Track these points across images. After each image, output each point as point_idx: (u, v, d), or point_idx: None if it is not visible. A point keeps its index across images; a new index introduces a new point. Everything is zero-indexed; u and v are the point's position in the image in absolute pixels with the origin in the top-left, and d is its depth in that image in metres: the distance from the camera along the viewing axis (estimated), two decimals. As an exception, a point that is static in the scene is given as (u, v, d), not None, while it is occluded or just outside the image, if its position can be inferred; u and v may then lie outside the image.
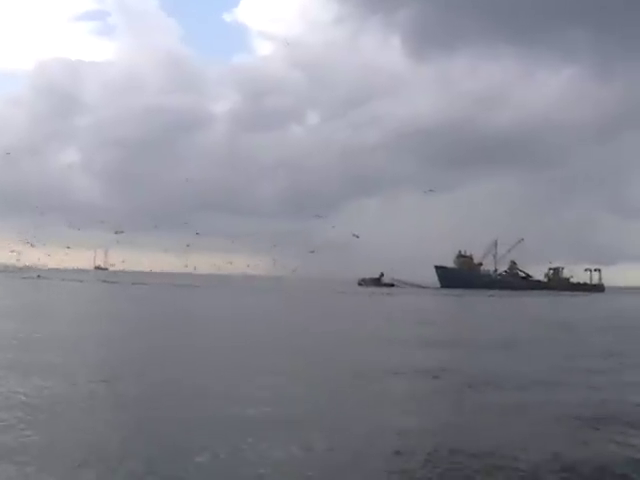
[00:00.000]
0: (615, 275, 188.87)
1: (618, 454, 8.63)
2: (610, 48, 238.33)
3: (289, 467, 7.51)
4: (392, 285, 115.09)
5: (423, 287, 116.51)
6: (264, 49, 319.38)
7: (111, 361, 15.50)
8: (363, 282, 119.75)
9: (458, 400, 12.24)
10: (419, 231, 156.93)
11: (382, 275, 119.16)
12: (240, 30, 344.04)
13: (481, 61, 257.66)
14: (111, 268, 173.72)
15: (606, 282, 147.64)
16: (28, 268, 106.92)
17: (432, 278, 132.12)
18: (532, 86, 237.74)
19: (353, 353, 18.58)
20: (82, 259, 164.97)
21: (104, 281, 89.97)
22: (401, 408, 11.38)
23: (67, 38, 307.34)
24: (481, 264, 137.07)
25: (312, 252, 73.06)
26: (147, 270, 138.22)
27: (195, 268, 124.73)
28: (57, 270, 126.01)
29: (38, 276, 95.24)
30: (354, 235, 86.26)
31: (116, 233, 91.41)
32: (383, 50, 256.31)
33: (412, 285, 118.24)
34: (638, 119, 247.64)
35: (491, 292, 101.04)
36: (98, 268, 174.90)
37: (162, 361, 15.73)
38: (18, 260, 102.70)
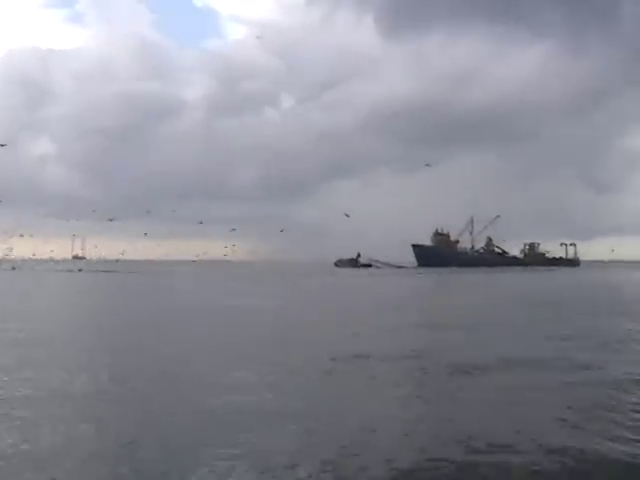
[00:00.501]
0: (591, 249, 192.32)
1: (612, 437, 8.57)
2: (582, 23, 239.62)
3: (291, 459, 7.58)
4: (369, 265, 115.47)
5: (401, 267, 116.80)
6: (236, 33, 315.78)
7: (102, 356, 15.14)
8: (340, 263, 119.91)
9: (448, 385, 11.95)
10: (396, 211, 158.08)
11: (359, 256, 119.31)
12: (211, 14, 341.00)
13: (454, 39, 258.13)
14: (88, 257, 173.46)
15: (582, 256, 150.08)
16: (5, 260, 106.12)
17: (410, 257, 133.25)
18: (506, 63, 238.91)
19: (336, 340, 17.86)
20: (59, 249, 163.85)
21: (80, 270, 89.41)
22: (392, 396, 11.08)
23: (36, 26, 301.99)
24: (458, 241, 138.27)
25: (281, 231, 71.77)
26: (124, 258, 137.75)
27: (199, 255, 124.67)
28: (33, 260, 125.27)
29: (13, 268, 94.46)
30: (345, 214, 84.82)
31: (110, 221, 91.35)
32: (356, 30, 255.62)
33: (389, 265, 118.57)
34: (611, 94, 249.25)
35: (468, 270, 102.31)
36: (76, 257, 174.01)
37: (151, 352, 15.53)
38: (10, 250, 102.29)
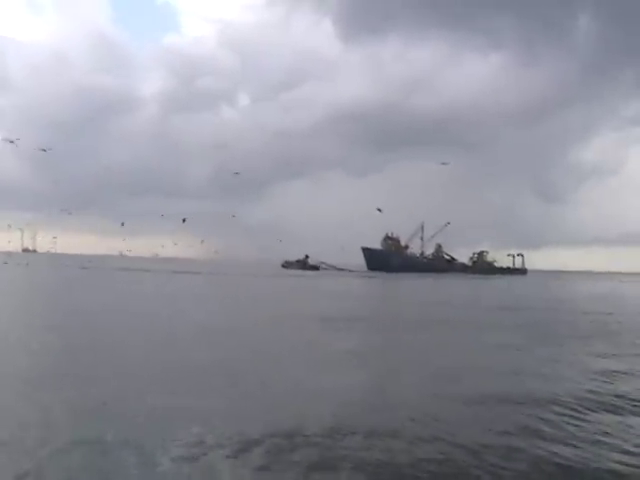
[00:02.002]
0: (539, 259, 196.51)
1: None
2: (536, 35, 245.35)
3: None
4: (317, 268, 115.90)
5: (349, 270, 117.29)
6: (196, 30, 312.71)
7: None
8: (287, 264, 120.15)
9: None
10: (347, 213, 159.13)
11: (307, 257, 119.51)
12: (171, 10, 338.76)
13: (411, 45, 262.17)
14: (40, 250, 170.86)
15: (530, 265, 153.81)
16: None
17: (359, 260, 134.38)
18: (460, 70, 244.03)
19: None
20: (8, 241, 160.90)
21: (5, 263, 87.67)
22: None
23: None
24: (407, 246, 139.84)
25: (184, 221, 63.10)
26: (75, 252, 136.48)
27: (130, 251, 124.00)
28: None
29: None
30: (378, 209, 78.18)
31: (69, 214, 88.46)
32: (315, 33, 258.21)
33: (338, 268, 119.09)
34: (562, 106, 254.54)
35: (416, 275, 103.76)
36: (26, 250, 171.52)
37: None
38: None
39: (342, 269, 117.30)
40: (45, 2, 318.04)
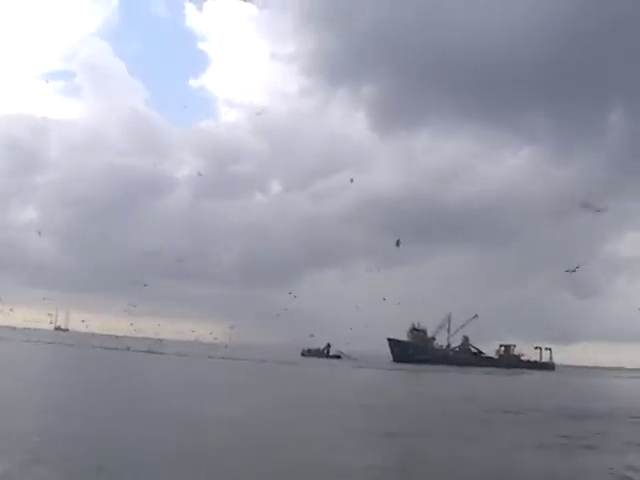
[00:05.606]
0: (570, 354, 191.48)
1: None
2: (566, 131, 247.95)
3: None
4: (338, 357, 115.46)
5: (371, 361, 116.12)
6: (229, 116, 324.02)
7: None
8: (308, 352, 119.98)
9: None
10: (374, 304, 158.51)
11: (329, 346, 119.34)
12: (206, 96, 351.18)
13: (443, 138, 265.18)
14: (71, 329, 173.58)
15: (560, 361, 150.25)
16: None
17: (385, 350, 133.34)
18: (492, 164, 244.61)
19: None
20: (40, 319, 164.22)
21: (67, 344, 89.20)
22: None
23: (32, 96, 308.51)
24: (434, 338, 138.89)
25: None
26: (102, 332, 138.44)
27: (160, 338, 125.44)
28: (14, 330, 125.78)
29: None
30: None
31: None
32: (348, 123, 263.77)
33: (358, 359, 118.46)
34: (591, 201, 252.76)
35: (441, 368, 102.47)
36: (58, 329, 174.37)
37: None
38: None
39: (366, 359, 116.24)
40: (84, 83, 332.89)
